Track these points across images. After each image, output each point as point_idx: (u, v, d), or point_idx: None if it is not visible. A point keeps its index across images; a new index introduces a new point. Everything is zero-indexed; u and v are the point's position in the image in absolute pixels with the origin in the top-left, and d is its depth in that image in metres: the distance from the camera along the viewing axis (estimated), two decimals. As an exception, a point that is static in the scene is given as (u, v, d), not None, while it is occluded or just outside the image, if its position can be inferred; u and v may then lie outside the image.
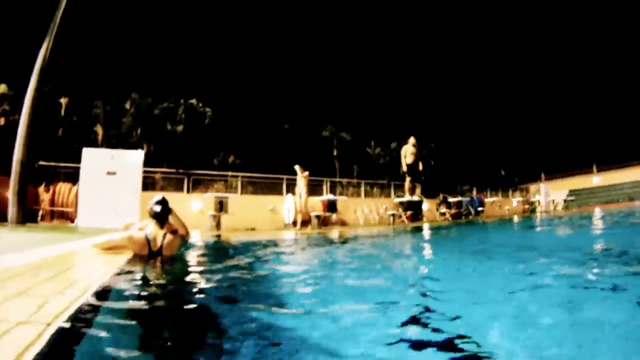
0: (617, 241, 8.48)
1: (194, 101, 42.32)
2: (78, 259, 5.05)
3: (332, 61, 63.53)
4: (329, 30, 66.40)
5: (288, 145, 37.50)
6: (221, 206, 15.79)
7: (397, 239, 12.50)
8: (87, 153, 14.65)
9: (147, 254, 5.47)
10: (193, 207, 17.15)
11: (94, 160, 14.45)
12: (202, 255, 7.92)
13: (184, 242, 6.19)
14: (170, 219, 5.89)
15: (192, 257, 7.06)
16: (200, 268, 5.89)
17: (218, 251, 9.20)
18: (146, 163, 16.35)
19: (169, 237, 5.63)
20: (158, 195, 5.85)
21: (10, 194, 11.79)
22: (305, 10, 66.36)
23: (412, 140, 18.20)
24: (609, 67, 66.87)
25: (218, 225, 15.47)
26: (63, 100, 41.91)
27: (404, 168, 18.22)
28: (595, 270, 5.21)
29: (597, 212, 21.02)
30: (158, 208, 5.67)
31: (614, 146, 54.45)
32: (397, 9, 71.06)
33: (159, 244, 5.54)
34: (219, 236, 12.44)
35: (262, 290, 4.39)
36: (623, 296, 3.73)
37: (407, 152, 18.15)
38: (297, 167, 17.76)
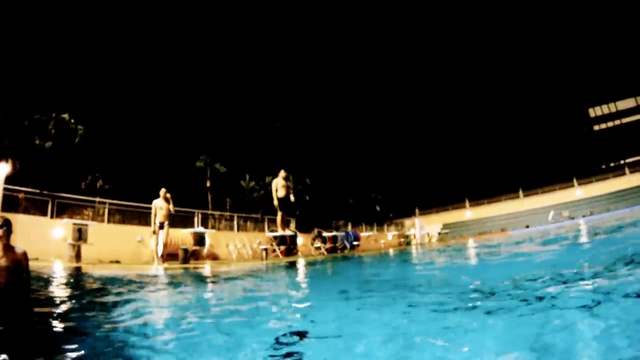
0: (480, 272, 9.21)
1: (66, 116, 40.42)
2: None
3: (207, 90, 63.42)
4: (203, 58, 66.16)
5: (159, 174, 36.96)
6: (80, 234, 15.26)
7: (269, 275, 12.63)
8: None
9: None
10: (55, 235, 16.47)
11: None
12: (44, 291, 7.14)
13: (15, 277, 5.20)
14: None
15: (28, 293, 5.92)
16: (35, 308, 5.42)
17: (68, 288, 8.39)
18: (10, 180, 15.82)
19: None
20: None
21: None
22: (180, 34, 65.89)
23: (282, 173, 18.35)
24: (480, 108, 71.86)
25: (78, 256, 14.95)
26: None
27: (275, 202, 18.28)
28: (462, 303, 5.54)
29: (470, 243, 22.32)
30: None
31: (483, 182, 59.42)
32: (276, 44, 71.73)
33: None
34: (78, 269, 12.29)
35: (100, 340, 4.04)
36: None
37: (278, 186, 18.22)
38: (163, 191, 16.96)
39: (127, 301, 6.60)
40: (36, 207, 19.85)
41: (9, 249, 5.28)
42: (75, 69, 52.38)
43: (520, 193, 52.10)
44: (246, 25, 69.81)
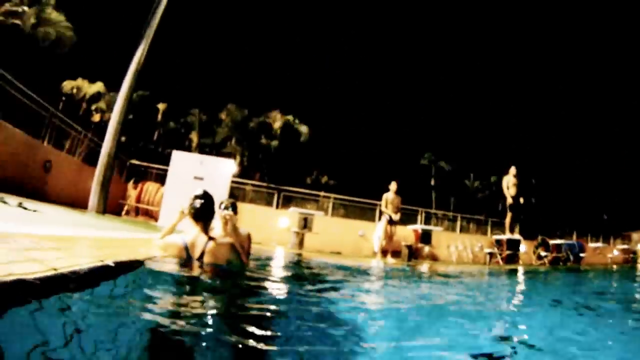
0: None
1: (290, 117, 42.95)
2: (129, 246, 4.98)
3: (436, 87, 62.86)
4: (430, 55, 65.68)
5: (384, 171, 37.00)
6: (305, 223, 15.35)
7: (490, 280, 11.34)
8: (177, 156, 15.38)
9: (185, 260, 4.61)
10: (280, 224, 17.27)
11: (183, 164, 15.03)
12: (267, 271, 6.77)
13: (237, 255, 5.07)
14: (221, 222, 5.28)
15: (250, 271, 5.75)
16: (251, 283, 4.91)
17: (290, 270, 8.25)
18: (237, 174, 16.55)
19: (213, 243, 4.69)
20: (199, 189, 4.92)
21: (94, 184, 12.38)
22: (410, 34, 66.01)
23: (513, 170, 16.95)
24: None
25: (301, 244, 15.08)
26: (161, 106, 44.13)
27: (509, 200, 16.86)
28: None
29: None
30: (198, 203, 4.74)
31: None
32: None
33: (198, 251, 4.63)
34: (299, 255, 12.17)
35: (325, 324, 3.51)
36: None
37: (510, 183, 16.83)
38: (394, 185, 16.28)
39: (346, 290, 6.20)
40: (262, 199, 21.41)
41: (234, 228, 5.38)
42: (296, 71, 54.94)
43: None
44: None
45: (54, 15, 36.05)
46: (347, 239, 18.88)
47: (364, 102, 57.22)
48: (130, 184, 18.49)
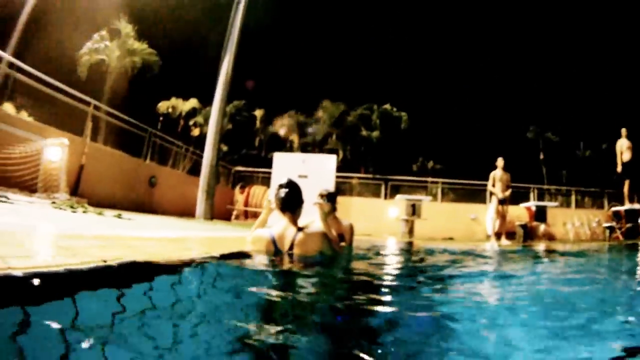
0: None
1: (387, 106, 42.83)
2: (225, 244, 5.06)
3: (531, 54, 60.29)
4: (522, 22, 63.24)
5: (489, 149, 35.94)
6: (413, 210, 15.00)
7: (612, 259, 10.28)
8: (278, 157, 15.88)
9: (274, 253, 4.44)
10: (390, 214, 17.35)
11: (285, 164, 15.43)
12: (372, 260, 6.32)
13: (329, 245, 4.69)
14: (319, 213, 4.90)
15: (353, 261, 5.60)
16: (351, 275, 4.68)
17: (397, 258, 7.61)
18: (342, 168, 16.73)
19: (302, 234, 4.45)
20: (284, 178, 4.69)
21: (200, 193, 13.05)
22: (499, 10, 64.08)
23: (624, 132, 15.44)
24: None
25: (411, 232, 14.82)
26: (258, 113, 45.37)
27: (619, 168, 15.45)
28: None
29: None
30: (283, 193, 4.53)
31: None
32: None
33: (287, 244, 4.43)
34: (410, 243, 11.92)
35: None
36: None
37: (623, 147, 15.30)
38: (501, 161, 14.75)
39: (460, 277, 5.70)
40: (369, 191, 21.42)
41: (334, 219, 5.52)
42: (384, 63, 54.54)
43: None
44: None
45: (137, 45, 38.75)
46: (458, 223, 18.62)
47: (461, 80, 55.85)
48: (237, 190, 19.46)
